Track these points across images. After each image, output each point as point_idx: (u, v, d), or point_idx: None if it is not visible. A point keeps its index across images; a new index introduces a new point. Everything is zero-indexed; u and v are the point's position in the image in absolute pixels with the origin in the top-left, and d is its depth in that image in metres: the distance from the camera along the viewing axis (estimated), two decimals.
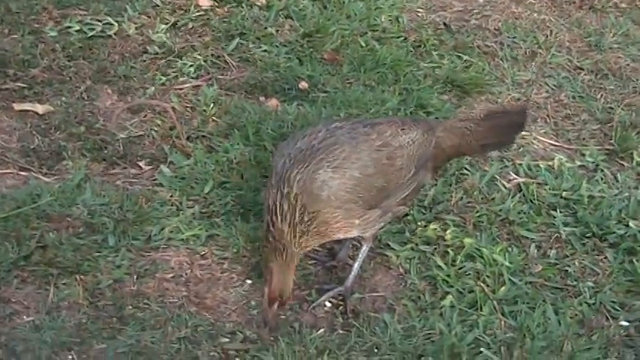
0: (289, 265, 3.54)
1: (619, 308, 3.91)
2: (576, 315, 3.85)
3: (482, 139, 3.90)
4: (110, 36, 5.20)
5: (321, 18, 5.54)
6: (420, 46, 5.53)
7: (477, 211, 4.28)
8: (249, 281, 3.84)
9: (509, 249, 4.10)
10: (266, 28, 5.43)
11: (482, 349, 3.60)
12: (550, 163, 4.68)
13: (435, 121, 4.19)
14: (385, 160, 3.62)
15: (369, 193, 3.59)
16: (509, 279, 3.93)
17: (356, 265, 3.82)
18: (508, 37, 5.73)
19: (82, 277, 3.72)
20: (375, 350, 3.57)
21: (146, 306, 3.66)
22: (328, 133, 3.60)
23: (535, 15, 6.03)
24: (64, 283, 3.69)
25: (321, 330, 3.65)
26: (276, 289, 3.52)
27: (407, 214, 4.17)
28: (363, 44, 5.41)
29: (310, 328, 3.65)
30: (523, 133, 4.83)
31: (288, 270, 3.54)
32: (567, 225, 4.29)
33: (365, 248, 3.81)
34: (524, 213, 4.33)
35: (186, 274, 3.84)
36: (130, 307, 3.64)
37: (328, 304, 3.79)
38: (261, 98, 4.93)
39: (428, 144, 3.77)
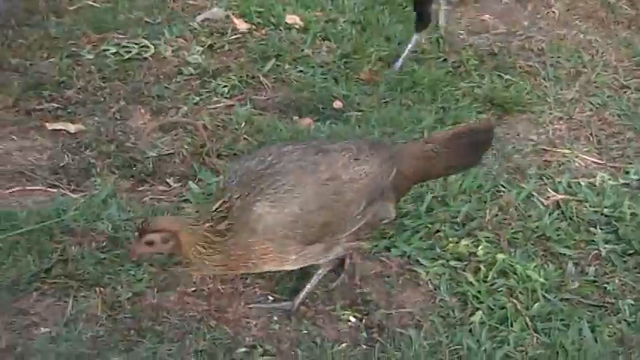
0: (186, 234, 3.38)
1: None
2: (614, 333, 3.66)
3: (449, 161, 3.70)
4: (146, 58, 5.21)
5: (360, 39, 5.48)
6: (459, 66, 5.43)
7: (512, 228, 4.13)
8: (271, 297, 3.75)
9: (545, 266, 3.94)
10: (303, 50, 5.39)
11: None
12: (591, 180, 4.51)
13: (398, 146, 3.92)
14: (331, 195, 3.41)
15: (310, 229, 3.39)
16: (544, 295, 3.77)
17: (307, 287, 3.65)
18: (552, 57, 5.59)
19: (101, 289, 3.66)
20: None
21: (165, 319, 3.58)
22: (277, 158, 3.42)
23: (581, 36, 5.89)
24: (83, 296, 3.64)
25: (344, 345, 3.53)
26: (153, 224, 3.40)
27: (438, 231, 4.05)
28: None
29: (332, 343, 3.53)
30: (564, 151, 4.73)
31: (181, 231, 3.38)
32: (608, 242, 4.11)
33: (321, 271, 3.63)
34: (562, 230, 4.16)
35: (208, 288, 3.76)
36: (149, 320, 3.57)
37: (353, 319, 3.66)
38: (295, 117, 4.87)
39: (385, 175, 3.55)
